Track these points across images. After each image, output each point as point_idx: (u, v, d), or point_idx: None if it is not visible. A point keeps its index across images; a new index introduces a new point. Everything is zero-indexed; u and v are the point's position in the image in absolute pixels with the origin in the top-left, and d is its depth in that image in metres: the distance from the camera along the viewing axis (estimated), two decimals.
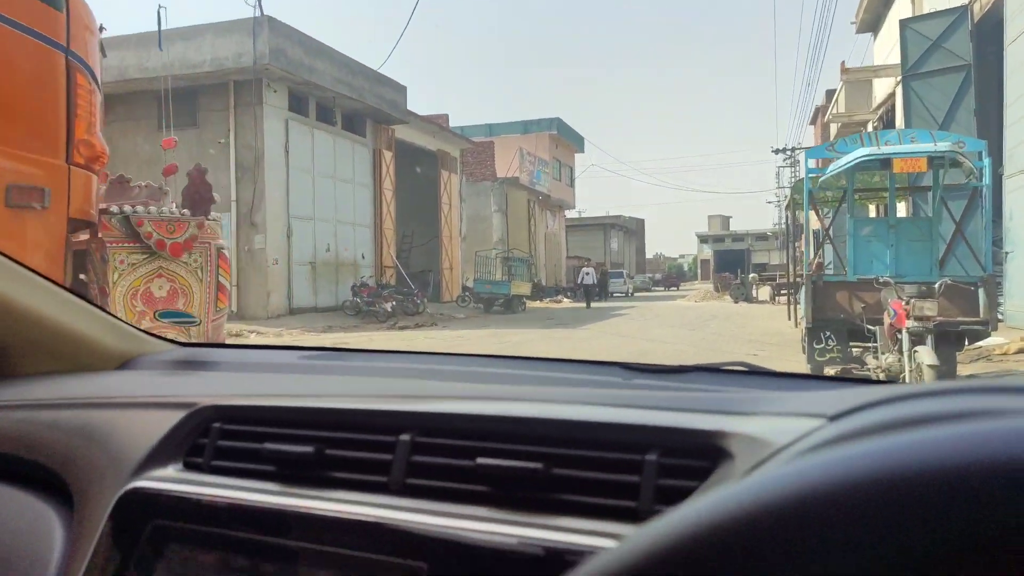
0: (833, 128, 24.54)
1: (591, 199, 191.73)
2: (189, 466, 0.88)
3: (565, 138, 40.48)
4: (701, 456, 0.64)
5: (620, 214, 62.69)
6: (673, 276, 68.03)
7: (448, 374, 1.19)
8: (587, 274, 26.73)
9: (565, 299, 32.79)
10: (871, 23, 21.91)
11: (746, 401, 0.72)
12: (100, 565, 0.82)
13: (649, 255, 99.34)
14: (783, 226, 72.92)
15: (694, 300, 30.91)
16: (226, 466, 0.85)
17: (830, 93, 28.13)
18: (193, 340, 6.02)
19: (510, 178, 33.61)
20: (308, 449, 0.80)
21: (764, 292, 29.02)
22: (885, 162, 6.16)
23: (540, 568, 0.62)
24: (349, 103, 19.75)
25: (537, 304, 29.56)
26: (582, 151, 44.22)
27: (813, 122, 38.09)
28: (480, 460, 0.72)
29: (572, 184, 43.95)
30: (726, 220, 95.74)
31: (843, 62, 20.66)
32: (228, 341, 15.25)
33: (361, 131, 21.32)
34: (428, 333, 15.33)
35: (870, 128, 24.37)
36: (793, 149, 42.32)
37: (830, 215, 9.19)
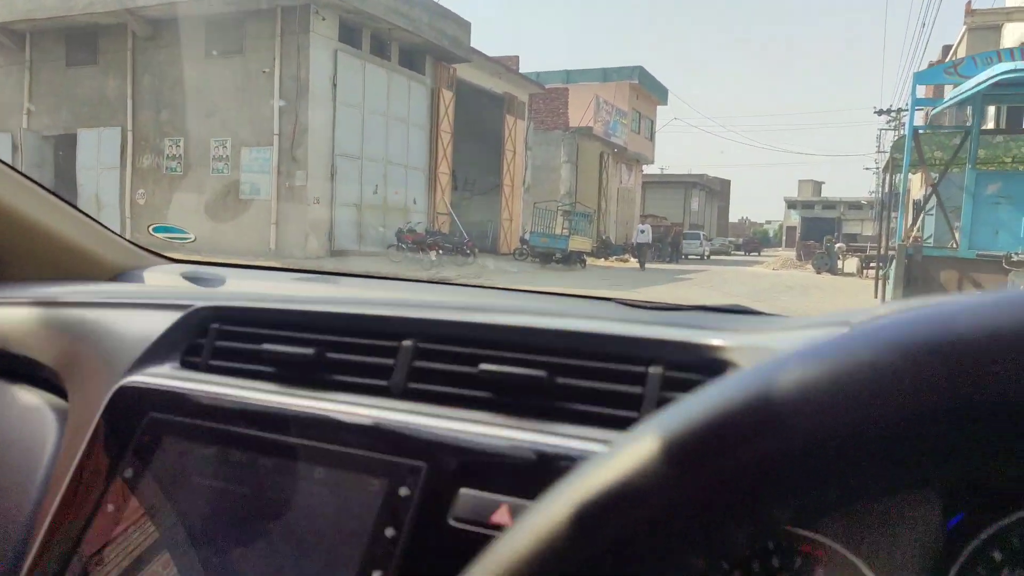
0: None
1: (674, 156, 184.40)
2: (186, 365, 0.87)
3: (647, 89, 38.05)
4: (706, 371, 0.64)
5: (704, 173, 59.58)
6: (756, 241, 64.65)
7: (447, 293, 1.25)
8: (641, 231, 24.12)
9: (632, 259, 31.03)
10: None
11: (754, 323, 0.73)
12: (95, 456, 0.82)
13: (734, 219, 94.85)
14: (880, 195, 68.22)
15: (772, 268, 28.63)
16: (225, 366, 0.85)
17: (946, 49, 24.82)
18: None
19: (583, 128, 31.73)
20: (309, 351, 0.79)
21: (851, 264, 26.50)
22: None
23: (536, 470, 0.63)
24: (406, 37, 18.42)
25: (600, 263, 27.96)
26: (665, 103, 41.65)
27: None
28: (483, 366, 0.72)
29: (652, 138, 41.56)
30: (818, 186, 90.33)
31: (968, 2, 17.88)
32: None
33: (419, 68, 20.00)
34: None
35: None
36: (898, 110, 38.53)
37: (937, 176, 7.29)
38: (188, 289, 1.17)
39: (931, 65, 33.37)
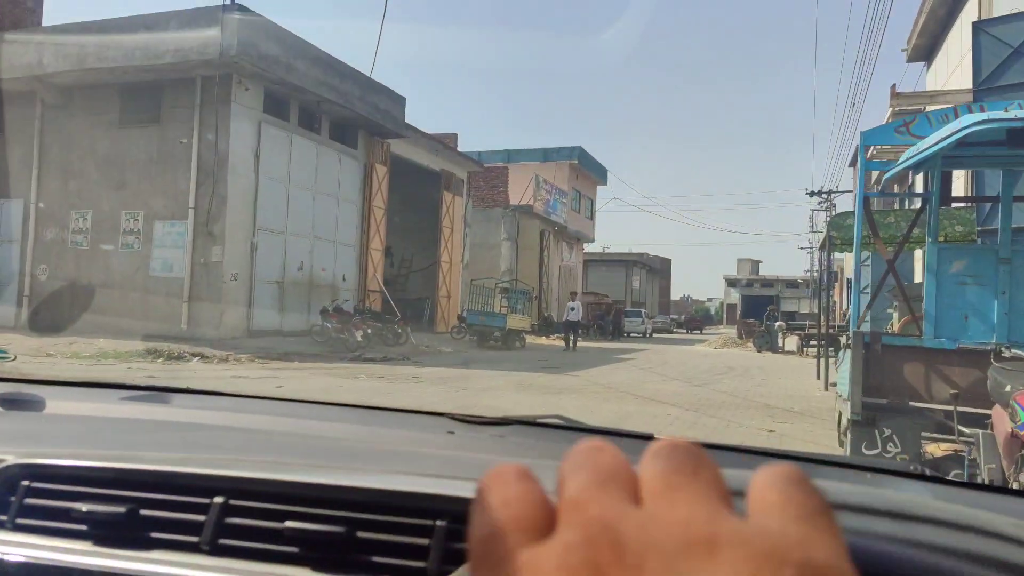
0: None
1: (614, 234, 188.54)
2: None
3: (587, 169, 38.49)
4: None
5: (644, 252, 60.32)
6: (697, 319, 65.13)
7: (269, 434, 1.18)
8: (571, 309, 21.06)
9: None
10: (925, 50, 19.61)
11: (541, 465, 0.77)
12: None
13: (676, 296, 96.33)
14: (815, 274, 70.15)
15: (714, 347, 28.40)
16: (33, 524, 0.84)
17: None
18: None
19: (523, 206, 31.60)
20: (120, 509, 0.80)
21: (791, 342, 26.44)
22: (1016, 137, 3.76)
23: None
24: (337, 110, 17.91)
25: (541, 341, 27.28)
26: (605, 183, 42.16)
27: (853, 164, 35.66)
28: (288, 523, 0.76)
29: (592, 217, 41.84)
30: (756, 264, 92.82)
31: (893, 85, 18.37)
32: (148, 365, 13.24)
33: (352, 141, 19.46)
34: (388, 370, 13.16)
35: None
36: (829, 192, 39.82)
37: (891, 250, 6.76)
38: (1, 431, 1.10)
39: (856, 150, 34.73)
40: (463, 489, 0.74)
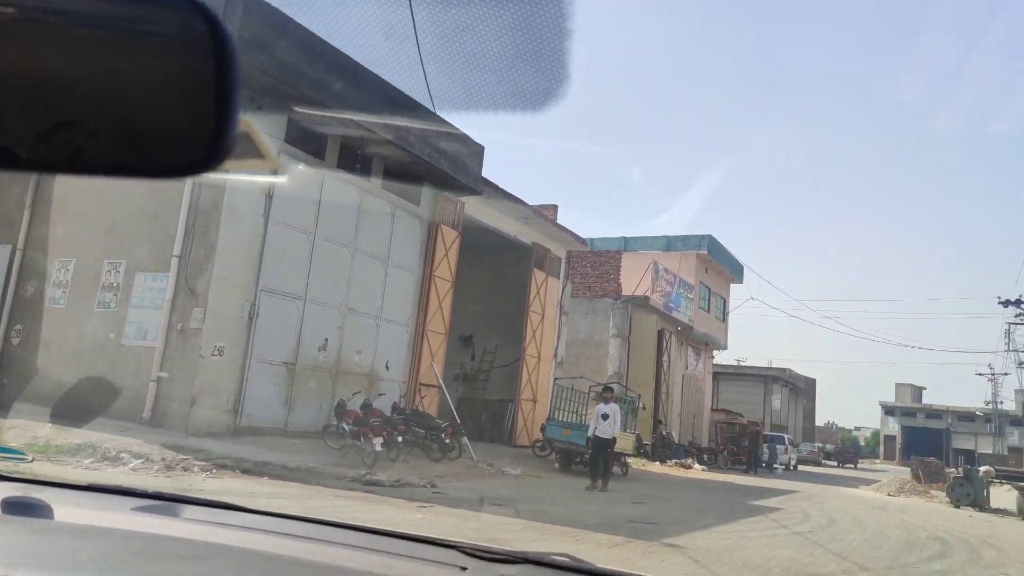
0: None
1: (750, 344, 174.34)
2: None
3: (718, 261, 33.03)
4: None
5: (786, 368, 52.58)
6: (850, 451, 55.73)
7: (277, 560, 1.19)
8: (603, 418, 12.91)
9: (698, 464, 24.30)
10: None
11: None
12: None
13: (819, 422, 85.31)
14: (996, 406, 58.84)
15: (887, 492, 21.34)
16: None
17: None
18: None
19: (638, 297, 26.54)
20: None
21: (1004, 496, 19.12)
22: None
23: None
24: (394, 152, 14.12)
25: (654, 468, 21.45)
26: (740, 281, 36.35)
27: None
28: None
29: (724, 319, 35.88)
30: (918, 391, 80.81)
31: None
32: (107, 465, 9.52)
33: (412, 195, 15.56)
34: (381, 502, 8.36)
35: None
36: None
37: None
38: None
39: None
40: None
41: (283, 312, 12.61)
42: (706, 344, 33.88)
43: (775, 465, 30.67)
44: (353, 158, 13.94)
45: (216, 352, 11.49)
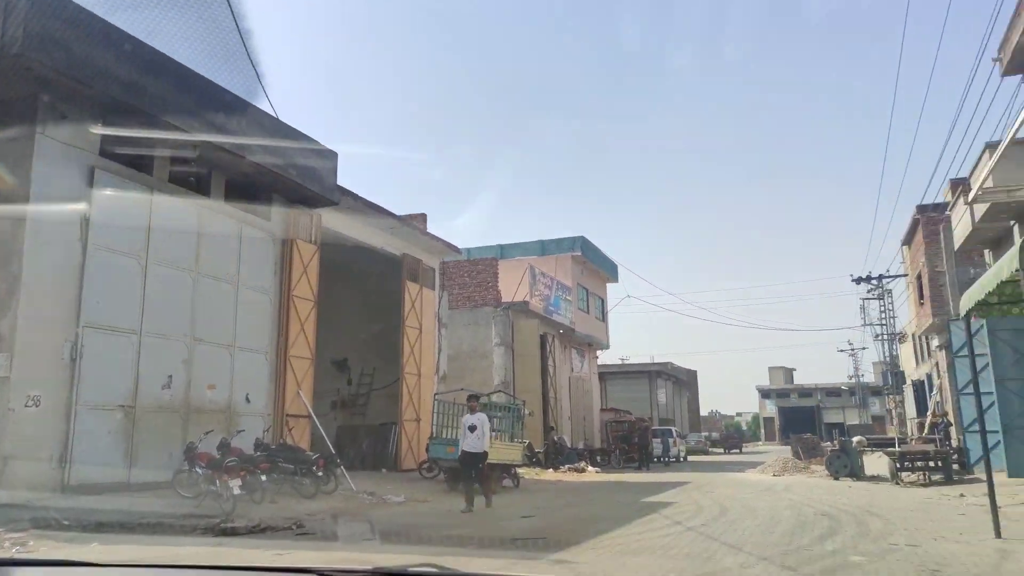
0: (972, 212, 16.57)
1: (629, 342, 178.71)
2: None
3: (592, 261, 33.24)
4: None
5: (668, 362, 54.00)
6: (735, 436, 57.89)
7: None
8: (469, 429, 11.66)
9: (591, 467, 24.04)
10: None
11: None
12: None
13: (703, 412, 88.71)
14: (859, 379, 63.05)
15: (771, 473, 21.83)
16: None
17: (955, 184, 20.25)
18: None
19: (517, 303, 26.10)
20: None
21: (877, 464, 19.94)
22: None
23: None
24: (234, 162, 12.83)
25: (546, 476, 20.93)
26: (615, 280, 36.80)
27: (908, 242, 30.13)
28: None
29: (604, 319, 36.19)
30: (789, 373, 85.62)
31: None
32: None
33: (261, 209, 14.28)
34: (239, 555, 7.17)
35: None
36: (880, 277, 34.05)
37: None
38: None
39: (915, 222, 29.23)
40: None
41: (114, 349, 11.04)
42: (589, 345, 33.99)
43: (667, 458, 31.04)
44: (187, 171, 12.55)
45: (31, 402, 9.82)
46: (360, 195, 16.37)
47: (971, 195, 14.86)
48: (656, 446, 30.98)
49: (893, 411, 34.28)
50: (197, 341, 12.50)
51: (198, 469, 10.71)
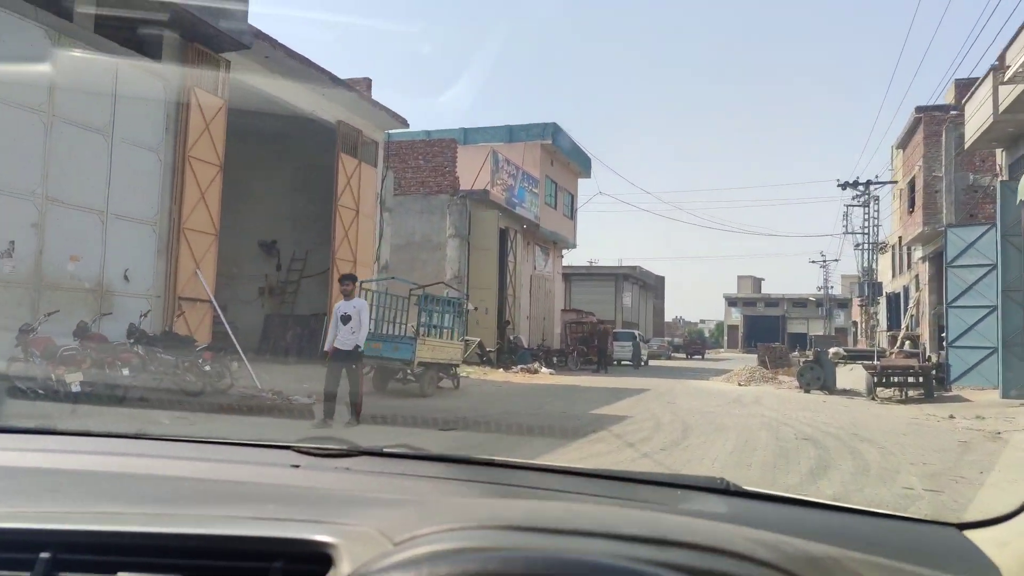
0: (996, 100, 14.36)
1: (598, 242, 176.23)
2: None
3: (564, 153, 30.67)
4: (319, 562, 0.75)
5: (637, 265, 52.38)
6: (697, 342, 57.28)
7: (104, 476, 1.09)
8: (342, 319, 8.92)
9: (545, 368, 22.43)
10: None
11: (356, 511, 0.85)
12: None
13: (668, 318, 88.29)
14: (828, 291, 62.34)
15: (737, 382, 20.38)
16: None
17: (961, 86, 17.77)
18: None
19: (477, 191, 23.70)
20: None
21: (852, 378, 18.51)
22: None
23: None
24: None
25: (496, 376, 19.22)
26: (588, 175, 34.35)
27: (904, 144, 27.94)
28: (120, 574, 0.75)
29: (573, 216, 33.98)
30: (758, 282, 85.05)
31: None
32: None
33: (149, 45, 11.53)
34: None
35: None
36: (868, 183, 32.02)
37: None
38: None
39: (916, 121, 27.00)
40: (299, 530, 0.76)
41: None
42: (555, 243, 31.90)
43: (624, 361, 29.71)
44: None
45: None
46: (287, 46, 13.57)
47: (1008, 73, 12.56)
48: (617, 349, 29.54)
49: (866, 323, 33.14)
50: (52, 201, 10.03)
51: (29, 355, 8.54)
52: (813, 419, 11.09)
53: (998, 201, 13.53)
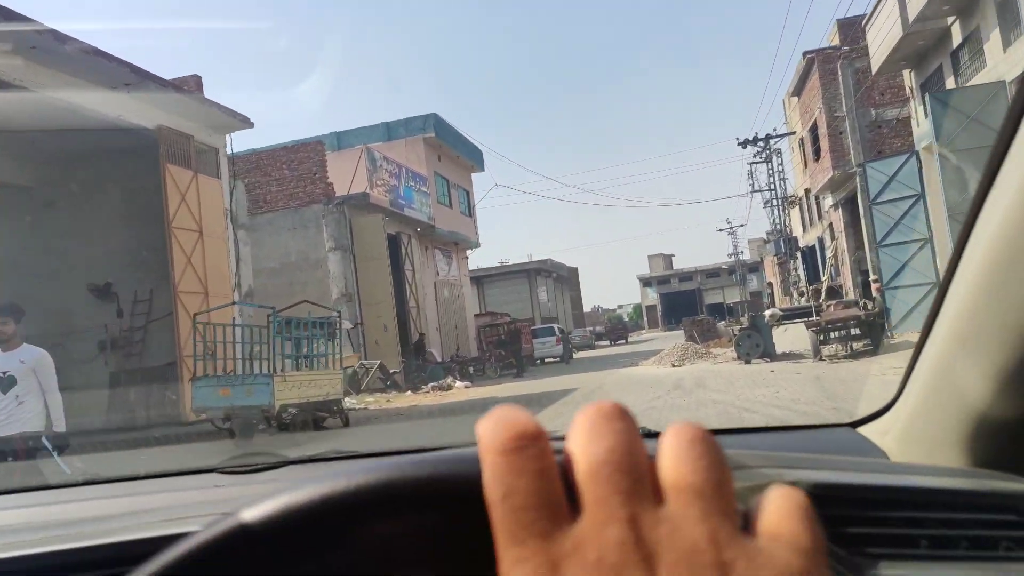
0: (905, 12, 12.88)
1: (502, 239, 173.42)
2: None
3: (451, 146, 28.30)
4: None
5: (547, 258, 50.61)
6: (620, 327, 56.09)
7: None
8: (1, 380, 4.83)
9: (460, 382, 19.95)
10: None
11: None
12: None
13: (586, 308, 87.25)
14: (738, 257, 62.52)
15: (671, 363, 18.47)
16: None
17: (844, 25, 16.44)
18: None
19: (355, 195, 21.02)
20: None
21: (791, 339, 16.92)
22: None
23: None
24: None
25: (403, 400, 16.61)
26: (481, 169, 32.11)
27: (798, 92, 26.97)
28: None
29: (471, 213, 31.66)
30: (668, 259, 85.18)
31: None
32: None
33: None
34: None
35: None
36: (768, 137, 31.06)
37: None
38: None
39: (810, 60, 26.02)
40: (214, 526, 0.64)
41: None
42: (456, 244, 29.48)
43: (547, 358, 27.62)
44: None
45: None
46: (57, 29, 10.60)
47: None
48: (538, 347, 27.41)
49: (786, 281, 32.29)
50: None
51: None
52: (775, 397, 9.10)
53: (929, 117, 12.06)
